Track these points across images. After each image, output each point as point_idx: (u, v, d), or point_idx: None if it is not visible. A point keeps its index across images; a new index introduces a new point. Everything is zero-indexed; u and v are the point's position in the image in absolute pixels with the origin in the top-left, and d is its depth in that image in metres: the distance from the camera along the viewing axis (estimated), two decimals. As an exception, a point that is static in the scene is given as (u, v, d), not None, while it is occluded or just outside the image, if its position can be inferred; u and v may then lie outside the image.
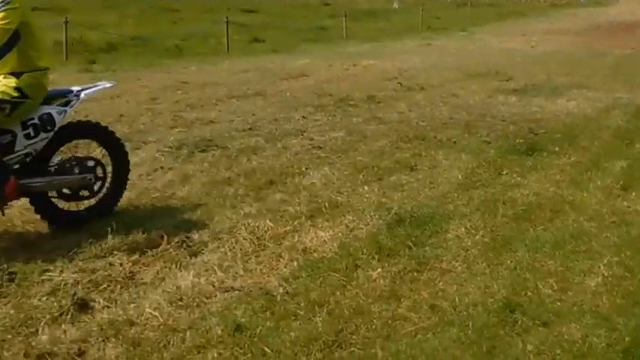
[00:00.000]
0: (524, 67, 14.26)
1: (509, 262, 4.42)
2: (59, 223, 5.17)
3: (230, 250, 4.69)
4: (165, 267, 4.41)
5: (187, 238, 4.84)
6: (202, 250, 4.71)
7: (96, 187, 5.31)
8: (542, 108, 9.59)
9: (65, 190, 5.20)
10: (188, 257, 4.56)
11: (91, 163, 5.29)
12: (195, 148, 7.25)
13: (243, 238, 4.85)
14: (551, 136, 7.87)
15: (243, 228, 5.02)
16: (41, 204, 5.12)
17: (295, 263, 4.47)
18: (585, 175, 6.31)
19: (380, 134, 7.89)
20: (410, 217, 5.20)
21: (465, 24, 30.89)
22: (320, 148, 7.34)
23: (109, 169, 5.44)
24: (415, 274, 4.28)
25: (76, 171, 5.18)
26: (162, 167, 6.67)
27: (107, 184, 5.40)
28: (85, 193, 5.27)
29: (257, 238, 4.87)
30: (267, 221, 5.13)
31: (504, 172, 6.40)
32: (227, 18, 19.64)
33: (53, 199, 5.21)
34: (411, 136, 7.75)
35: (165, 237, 4.78)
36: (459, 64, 14.92)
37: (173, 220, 5.16)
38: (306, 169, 6.58)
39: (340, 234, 4.95)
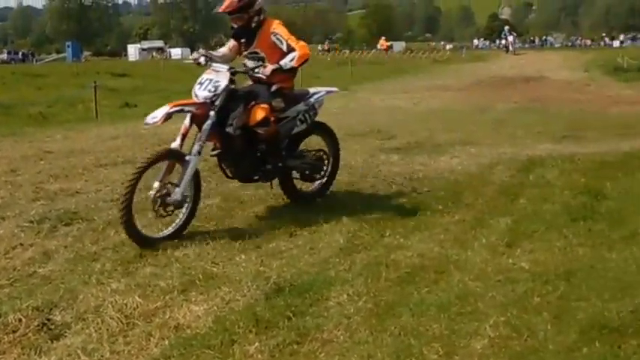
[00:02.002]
0: (406, 125, 14.63)
1: (393, 328, 4.46)
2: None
3: (95, 331, 4.56)
4: (24, 354, 4.27)
5: (48, 320, 4.69)
6: (65, 332, 4.57)
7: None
8: (425, 166, 9.83)
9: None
10: (49, 341, 4.42)
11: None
12: (59, 222, 7.02)
13: (110, 317, 4.73)
14: (435, 194, 8.06)
15: (110, 306, 4.90)
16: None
17: (167, 342, 4.39)
18: (470, 234, 6.49)
19: (257, 199, 7.88)
20: (289, 286, 5.20)
21: (347, 82, 31.52)
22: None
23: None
24: (295, 346, 4.26)
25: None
26: (21, 244, 6.42)
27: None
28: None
29: (125, 316, 4.77)
30: (137, 297, 5.03)
31: (387, 234, 6.50)
32: (95, 82, 19.37)
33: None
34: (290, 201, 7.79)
35: (24, 320, 4.61)
36: (341, 124, 15.04)
37: (33, 302, 4.95)
38: (179, 239, 6.49)
39: (215, 307, 4.90)
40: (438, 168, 9.73)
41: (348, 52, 79.22)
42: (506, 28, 67.65)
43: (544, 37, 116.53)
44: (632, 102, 22.24)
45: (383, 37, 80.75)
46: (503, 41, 68.15)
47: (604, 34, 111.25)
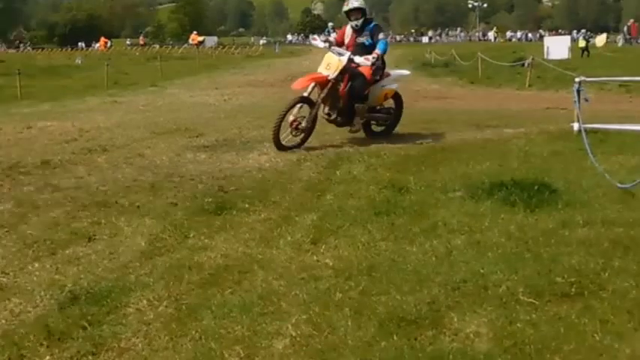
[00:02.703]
0: (215, 122, 14.61)
1: (194, 332, 4.43)
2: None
3: None
4: None
5: None
6: None
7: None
8: (233, 164, 9.85)
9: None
10: None
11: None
12: None
13: None
14: (242, 192, 8.08)
15: None
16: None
17: (-54, 362, 4.15)
18: (275, 232, 6.55)
19: (54, 203, 7.62)
20: (86, 294, 5.06)
21: (156, 78, 31.19)
22: (-18, 224, 6.93)
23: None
24: (90, 357, 4.16)
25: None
26: None
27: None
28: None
29: None
30: None
31: (191, 235, 6.45)
32: None
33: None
34: (90, 203, 7.57)
35: None
36: (147, 122, 14.95)
37: None
38: (-35, 249, 6.16)
39: (4, 321, 4.71)
40: (246, 165, 9.77)
41: (157, 46, 78.20)
42: (330, 25, 68.44)
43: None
44: (438, 96, 23.33)
45: (194, 32, 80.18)
46: (331, 38, 69.01)
47: (413, 31, 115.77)
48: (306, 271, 5.50)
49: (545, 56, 40.10)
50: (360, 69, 11.25)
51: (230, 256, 5.89)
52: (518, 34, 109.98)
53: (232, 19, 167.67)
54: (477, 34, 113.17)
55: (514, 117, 15.46)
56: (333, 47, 11.57)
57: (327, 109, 11.47)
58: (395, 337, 4.26)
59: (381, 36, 11.61)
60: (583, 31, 70.57)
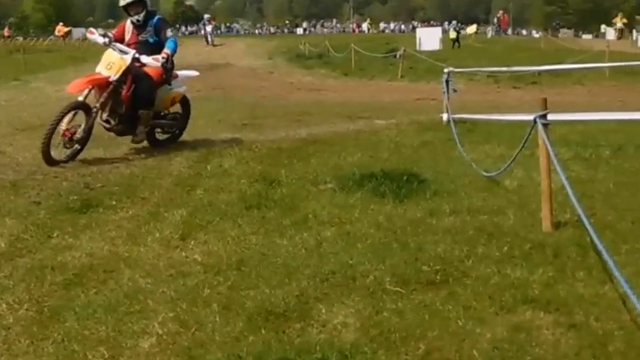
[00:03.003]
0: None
1: (56, 334, 4.33)
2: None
3: None
4: None
5: None
6: None
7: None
8: (100, 160, 9.65)
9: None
10: None
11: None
12: None
13: None
14: (109, 189, 7.94)
15: None
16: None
17: None
18: (143, 228, 6.47)
19: None
20: (-60, 300, 4.85)
21: (19, 72, 30.21)
22: None
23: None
24: (-57, 366, 3.99)
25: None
26: None
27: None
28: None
29: None
30: None
31: (55, 235, 6.29)
32: None
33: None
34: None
35: None
36: (9, 117, 14.51)
37: None
38: None
39: None
40: (114, 161, 9.60)
41: (21, 39, 75.67)
42: (206, 16, 66.97)
43: (229, 24, 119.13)
44: (312, 88, 23.56)
45: (60, 23, 77.99)
46: (202, 31, 67.34)
47: (287, 22, 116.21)
48: (175, 267, 5.46)
49: (418, 47, 40.98)
50: (147, 70, 9.95)
51: (95, 255, 5.78)
52: (392, 25, 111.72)
53: (101, 9, 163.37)
54: (351, 25, 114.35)
55: (386, 108, 15.78)
56: (114, 44, 10.01)
57: (105, 116, 9.97)
58: (263, 331, 4.28)
59: (168, 33, 10.39)
60: (454, 22, 72.44)
